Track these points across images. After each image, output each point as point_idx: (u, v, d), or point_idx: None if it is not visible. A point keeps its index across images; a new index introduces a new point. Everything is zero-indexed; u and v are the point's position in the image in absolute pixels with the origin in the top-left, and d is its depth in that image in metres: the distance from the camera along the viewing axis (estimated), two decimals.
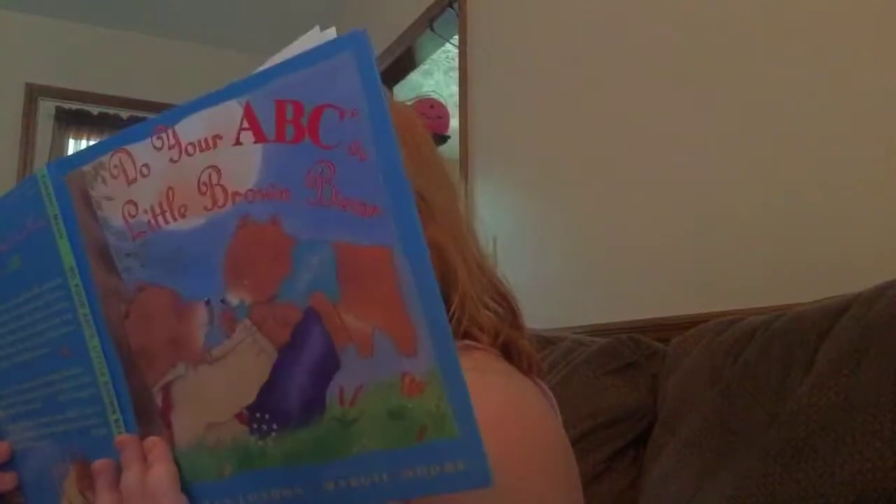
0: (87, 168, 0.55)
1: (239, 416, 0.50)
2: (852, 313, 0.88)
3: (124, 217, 0.54)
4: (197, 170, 0.51)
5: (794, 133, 1.30)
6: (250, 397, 0.50)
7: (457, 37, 2.39)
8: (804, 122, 1.28)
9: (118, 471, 0.53)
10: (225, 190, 0.50)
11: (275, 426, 0.49)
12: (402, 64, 2.84)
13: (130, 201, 0.54)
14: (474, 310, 0.67)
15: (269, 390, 0.49)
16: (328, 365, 0.47)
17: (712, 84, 1.47)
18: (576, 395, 1.19)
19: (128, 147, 0.54)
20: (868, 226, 1.17)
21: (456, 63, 2.41)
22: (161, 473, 0.51)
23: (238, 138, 0.49)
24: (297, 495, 0.49)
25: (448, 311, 0.66)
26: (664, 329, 1.32)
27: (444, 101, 3.16)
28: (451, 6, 2.42)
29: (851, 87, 1.22)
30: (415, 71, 2.97)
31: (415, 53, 2.81)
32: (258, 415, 0.50)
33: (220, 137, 0.50)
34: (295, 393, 0.48)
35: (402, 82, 2.99)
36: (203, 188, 0.51)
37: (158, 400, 0.54)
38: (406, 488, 0.46)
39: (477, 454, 0.44)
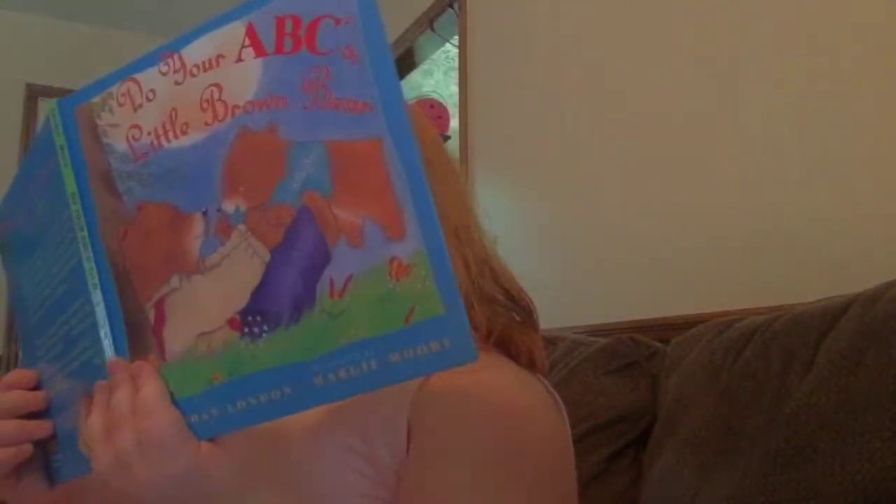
0: (95, 99, 0.58)
1: (230, 322, 0.52)
2: (852, 313, 0.88)
3: (128, 141, 0.56)
4: (200, 89, 0.53)
5: (794, 133, 1.30)
6: (242, 301, 0.51)
7: (457, 37, 2.39)
8: (804, 123, 1.28)
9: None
10: (225, 104, 0.52)
11: (266, 327, 0.50)
12: (402, 64, 2.84)
13: (135, 125, 0.56)
14: (467, 308, 0.67)
15: (260, 292, 0.51)
16: (319, 259, 0.49)
17: (713, 84, 1.47)
18: (576, 395, 1.19)
19: (136, 75, 0.57)
20: (868, 226, 1.17)
21: (456, 63, 2.40)
22: (150, 391, 0.51)
23: (240, 55, 0.52)
24: (286, 395, 0.50)
25: None
26: (664, 329, 1.32)
27: (444, 101, 3.16)
28: (451, 6, 2.42)
29: (851, 87, 1.22)
30: (415, 71, 2.97)
31: (415, 53, 2.80)
32: (250, 318, 0.51)
33: (224, 56, 0.53)
34: (286, 291, 0.50)
35: (402, 82, 2.99)
36: (205, 105, 0.53)
37: (151, 316, 0.55)
38: (393, 373, 0.47)
39: (462, 329, 0.45)
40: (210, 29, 0.53)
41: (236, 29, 0.52)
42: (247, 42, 0.52)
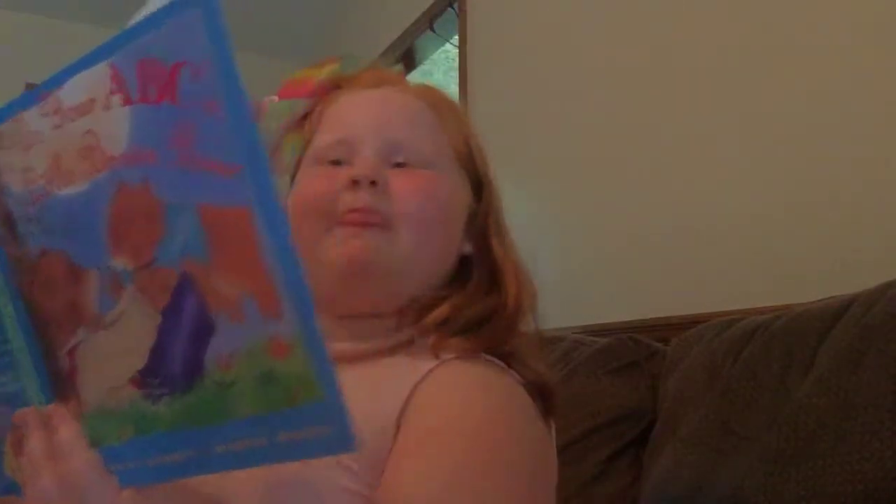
0: None
1: (133, 381, 0.50)
2: (852, 313, 0.88)
3: (25, 183, 0.53)
4: (78, 135, 0.50)
5: (795, 133, 1.30)
6: (142, 362, 0.49)
7: (457, 37, 2.39)
8: (804, 123, 1.28)
9: None
10: (103, 154, 0.49)
11: (165, 390, 0.49)
12: (402, 64, 2.84)
13: (28, 167, 0.53)
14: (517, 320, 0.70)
15: (156, 354, 0.49)
16: (204, 329, 0.47)
17: (713, 84, 1.47)
18: (576, 395, 1.19)
19: (21, 114, 0.53)
20: (868, 226, 1.16)
21: (456, 63, 2.40)
22: (65, 435, 0.51)
23: (108, 102, 0.48)
24: (191, 459, 0.48)
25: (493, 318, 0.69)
26: (664, 329, 1.32)
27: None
28: (451, 6, 2.42)
29: (851, 87, 1.22)
30: (415, 71, 2.97)
31: (415, 53, 2.80)
32: (149, 379, 0.49)
33: (94, 101, 0.49)
34: (178, 357, 0.48)
35: None
36: (84, 153, 0.50)
37: (66, 364, 0.53)
38: (283, 453, 0.45)
39: (341, 419, 0.43)
40: (80, 68, 0.50)
41: (102, 71, 0.48)
42: (114, 86, 0.48)
